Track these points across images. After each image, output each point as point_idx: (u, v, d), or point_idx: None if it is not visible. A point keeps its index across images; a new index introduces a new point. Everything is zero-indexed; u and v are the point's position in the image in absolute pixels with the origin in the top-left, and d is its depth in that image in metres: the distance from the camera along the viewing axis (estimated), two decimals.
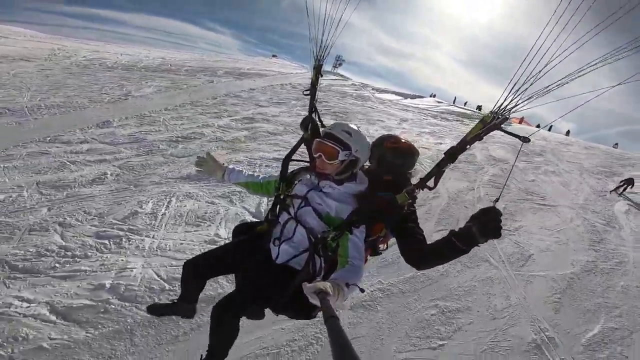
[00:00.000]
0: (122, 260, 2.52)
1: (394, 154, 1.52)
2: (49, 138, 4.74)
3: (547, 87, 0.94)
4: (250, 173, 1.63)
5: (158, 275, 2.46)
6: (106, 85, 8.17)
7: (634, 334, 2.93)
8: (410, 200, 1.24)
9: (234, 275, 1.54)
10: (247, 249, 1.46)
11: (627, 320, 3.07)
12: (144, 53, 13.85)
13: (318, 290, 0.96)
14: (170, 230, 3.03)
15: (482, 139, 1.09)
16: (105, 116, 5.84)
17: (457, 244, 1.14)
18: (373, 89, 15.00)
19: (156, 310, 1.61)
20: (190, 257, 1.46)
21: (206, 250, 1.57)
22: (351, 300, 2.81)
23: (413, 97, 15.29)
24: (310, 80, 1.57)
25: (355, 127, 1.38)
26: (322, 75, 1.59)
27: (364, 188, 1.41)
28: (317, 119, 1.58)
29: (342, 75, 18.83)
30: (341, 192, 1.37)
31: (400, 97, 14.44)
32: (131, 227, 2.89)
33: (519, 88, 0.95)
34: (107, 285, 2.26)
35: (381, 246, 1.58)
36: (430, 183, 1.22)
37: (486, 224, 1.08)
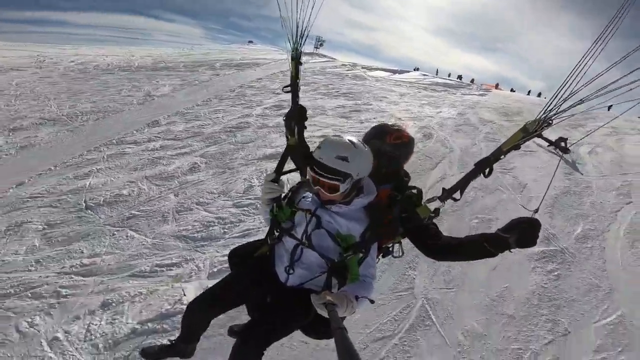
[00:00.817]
0: None
1: (398, 148, 1.46)
2: (114, 140, 5.08)
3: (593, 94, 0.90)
4: None
5: None
6: (121, 88, 8.25)
7: (605, 233, 3.97)
8: (433, 215, 1.21)
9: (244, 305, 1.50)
10: (253, 277, 1.40)
11: (598, 224, 4.13)
12: (127, 53, 13.46)
13: (326, 301, 0.97)
14: None
15: (520, 148, 1.05)
16: (148, 117, 6.14)
17: (488, 249, 1.13)
18: (363, 67, 15.60)
19: (150, 354, 1.53)
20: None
21: (210, 286, 1.44)
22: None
23: (401, 72, 16.06)
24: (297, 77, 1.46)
25: (351, 144, 1.24)
26: (302, 64, 1.48)
27: (373, 197, 1.34)
28: (303, 115, 1.46)
29: (330, 57, 19.18)
30: (351, 209, 1.30)
31: (390, 73, 15.18)
32: (256, 195, 3.51)
33: (563, 95, 0.91)
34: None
35: (395, 253, 1.53)
36: (457, 195, 1.18)
37: (525, 235, 1.06)
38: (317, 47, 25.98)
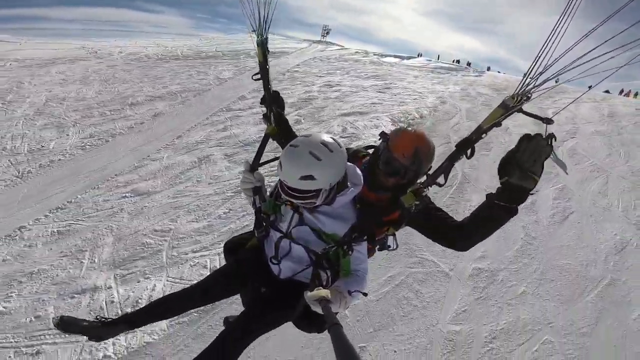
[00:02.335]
0: None
1: (413, 163, 1.23)
2: (223, 108, 6.77)
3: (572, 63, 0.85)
4: None
5: None
6: (190, 73, 9.76)
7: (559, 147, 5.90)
8: (418, 202, 1.11)
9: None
10: (247, 268, 1.42)
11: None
12: (151, 44, 14.73)
13: (320, 298, 0.99)
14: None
15: (501, 124, 0.99)
16: (232, 93, 7.78)
17: (500, 206, 1.05)
18: (375, 54, 17.26)
19: (68, 324, 1.31)
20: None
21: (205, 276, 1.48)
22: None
23: (408, 57, 17.78)
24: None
25: (312, 158, 1.09)
26: (269, 52, 1.43)
27: (359, 189, 1.26)
28: (279, 103, 1.47)
29: (339, 45, 20.72)
30: (334, 208, 1.25)
31: (399, 59, 16.87)
32: (348, 134, 5.31)
33: (540, 68, 0.88)
34: None
35: (391, 244, 1.41)
36: (441, 180, 1.09)
37: (523, 160, 0.96)
38: (324, 36, 27.40)
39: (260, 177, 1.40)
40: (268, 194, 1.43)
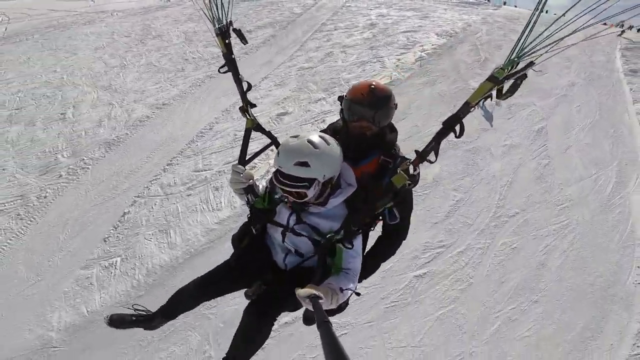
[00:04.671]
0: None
1: (374, 104, 1.29)
2: (316, 30, 9.68)
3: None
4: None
5: None
6: (269, 11, 12.29)
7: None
8: (410, 183, 1.12)
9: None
10: (254, 261, 1.43)
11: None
12: None
13: (311, 295, 0.99)
14: None
15: (492, 99, 0.98)
16: (311, 21, 10.58)
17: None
18: None
19: (118, 322, 1.46)
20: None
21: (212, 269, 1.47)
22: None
23: None
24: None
25: (309, 146, 1.14)
26: (229, 37, 1.37)
27: (352, 190, 1.28)
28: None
29: None
30: (328, 210, 1.27)
31: None
32: (397, 55, 8.33)
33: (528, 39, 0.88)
34: None
35: (392, 219, 1.34)
36: (432, 157, 1.09)
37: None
38: None
39: (249, 175, 1.37)
40: (262, 187, 1.44)
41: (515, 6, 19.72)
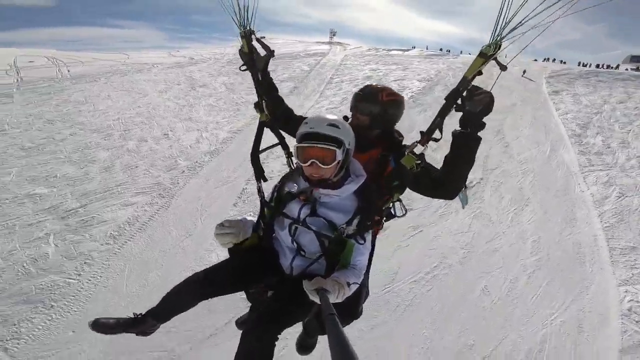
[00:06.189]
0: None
1: (391, 106, 1.49)
2: (335, 80, 12.63)
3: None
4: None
5: None
6: (284, 68, 15.43)
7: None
8: (419, 162, 1.22)
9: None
10: (258, 267, 1.43)
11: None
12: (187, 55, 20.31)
13: (318, 287, 1.02)
14: None
15: (482, 73, 1.14)
16: (322, 76, 13.63)
17: (462, 134, 1.21)
18: (383, 49, 23.40)
19: (104, 326, 1.36)
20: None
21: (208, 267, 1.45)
22: None
23: (407, 50, 24.13)
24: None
25: (335, 117, 1.30)
26: (251, 42, 1.50)
27: (363, 180, 1.35)
28: (272, 95, 1.57)
29: (349, 44, 26.81)
30: (341, 198, 1.32)
31: (401, 51, 23.08)
32: (416, 62, 11.38)
33: (509, 17, 1.02)
34: None
35: (398, 212, 1.51)
36: (437, 134, 1.20)
37: (471, 98, 1.16)
38: (331, 38, 33.23)
39: (233, 223, 1.39)
40: (268, 199, 1.47)
41: (470, 54, 25.09)
